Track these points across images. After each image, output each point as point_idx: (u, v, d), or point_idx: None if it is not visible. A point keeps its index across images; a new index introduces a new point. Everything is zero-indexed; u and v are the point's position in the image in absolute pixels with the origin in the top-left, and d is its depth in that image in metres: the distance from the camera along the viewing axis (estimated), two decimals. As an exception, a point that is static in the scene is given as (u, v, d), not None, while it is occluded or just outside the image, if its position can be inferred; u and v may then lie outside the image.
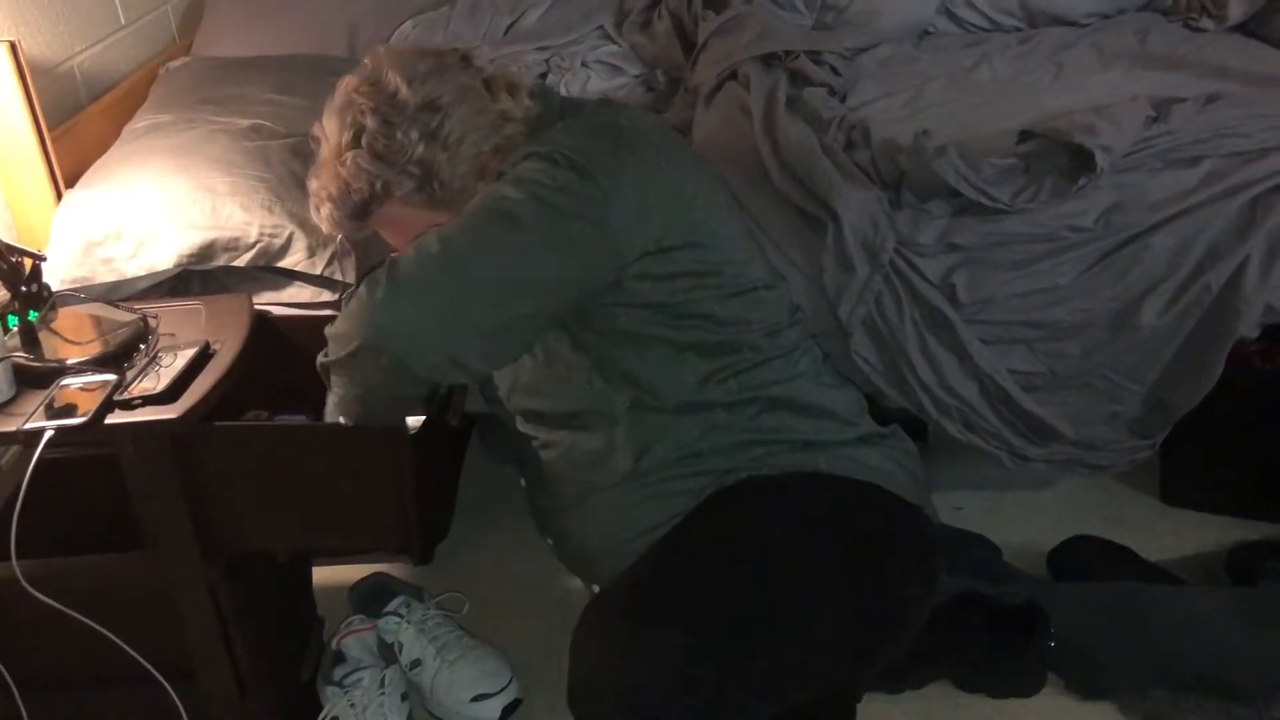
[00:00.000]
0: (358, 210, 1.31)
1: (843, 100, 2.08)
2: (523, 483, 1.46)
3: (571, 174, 1.18)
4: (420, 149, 1.26)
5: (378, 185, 1.28)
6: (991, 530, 1.87)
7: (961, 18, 2.45)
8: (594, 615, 1.24)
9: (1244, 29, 2.27)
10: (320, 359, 1.28)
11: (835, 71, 2.12)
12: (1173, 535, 1.92)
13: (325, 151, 1.32)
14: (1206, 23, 2.29)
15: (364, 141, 1.26)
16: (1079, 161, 1.67)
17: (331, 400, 1.32)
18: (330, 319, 1.29)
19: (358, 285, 1.24)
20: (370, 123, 1.26)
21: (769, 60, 2.05)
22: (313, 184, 1.35)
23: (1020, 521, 1.97)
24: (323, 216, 1.35)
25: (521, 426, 1.40)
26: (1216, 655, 1.59)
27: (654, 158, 1.25)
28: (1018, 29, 2.43)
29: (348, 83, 1.30)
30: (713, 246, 1.27)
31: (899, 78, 2.21)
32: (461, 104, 1.28)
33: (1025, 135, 1.75)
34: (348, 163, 1.28)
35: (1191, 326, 1.70)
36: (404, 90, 1.26)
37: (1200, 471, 1.97)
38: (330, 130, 1.30)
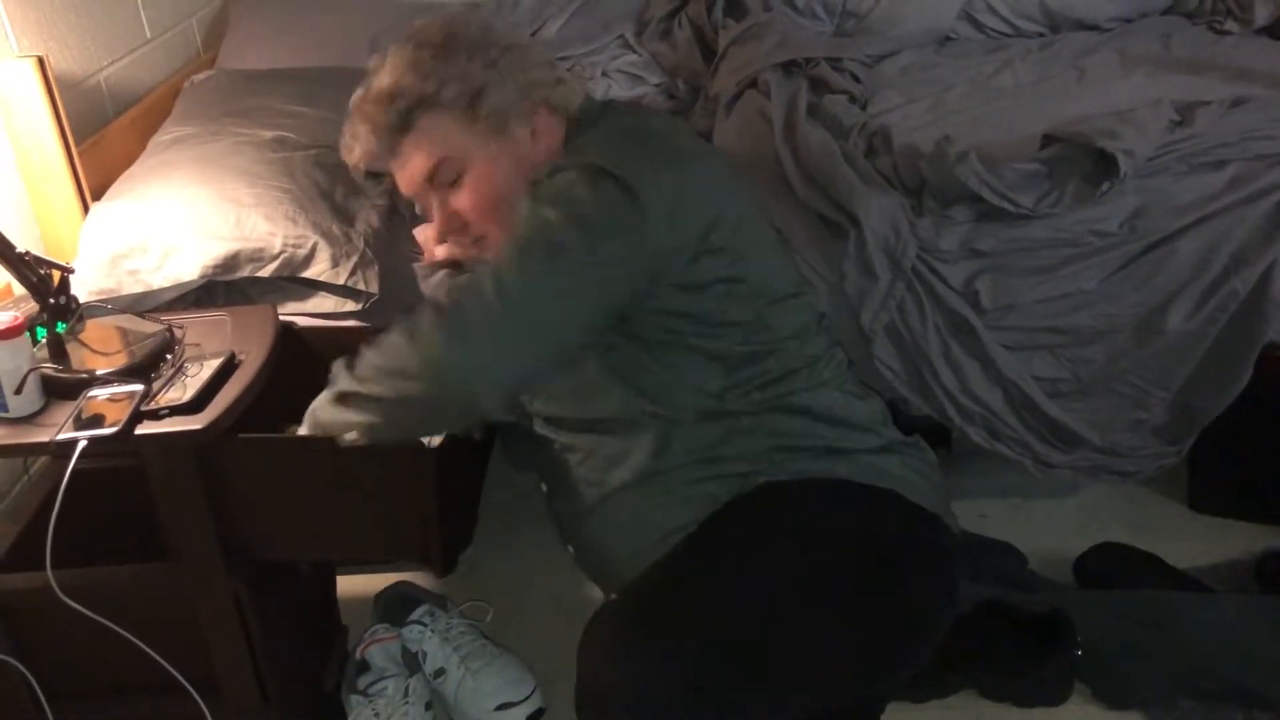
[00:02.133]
0: (401, 117, 1.28)
1: (864, 108, 2.08)
2: (544, 488, 1.46)
3: (609, 189, 1.18)
4: (477, 67, 1.28)
5: (429, 86, 1.27)
6: (1017, 537, 1.86)
7: (983, 23, 2.45)
8: (602, 623, 1.24)
9: (1270, 32, 2.26)
10: (346, 386, 1.25)
11: (856, 79, 2.12)
12: (1200, 542, 1.90)
13: (381, 65, 1.32)
14: (1231, 25, 2.28)
15: (427, 48, 1.29)
16: (1102, 166, 1.66)
17: (331, 416, 1.27)
18: (355, 332, 1.29)
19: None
20: (438, 37, 1.30)
21: (789, 68, 2.05)
22: (355, 98, 1.33)
23: (1046, 528, 1.95)
24: (360, 135, 1.32)
25: (541, 429, 1.40)
26: (1246, 665, 1.57)
27: (687, 164, 1.26)
28: (1040, 34, 2.42)
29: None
30: (744, 253, 1.26)
31: (920, 84, 2.20)
32: (524, 53, 1.32)
33: (1048, 140, 1.75)
34: (408, 57, 1.29)
35: (1218, 332, 1.69)
36: (473, 28, 1.31)
37: (1228, 478, 1.95)
38: (394, 48, 1.32)
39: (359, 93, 1.33)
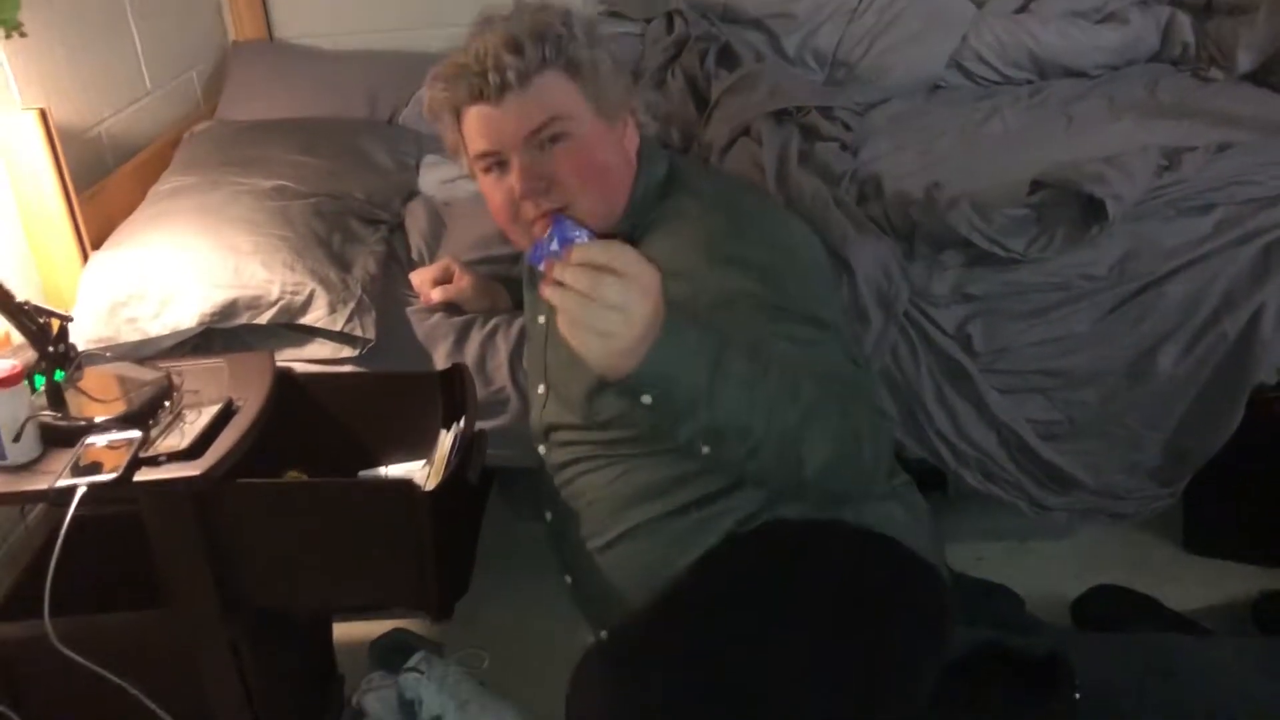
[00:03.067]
0: (541, 56, 1.24)
1: (855, 155, 2.10)
2: (548, 516, 1.45)
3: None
4: (602, 53, 1.29)
5: (573, 45, 1.26)
6: (1014, 580, 1.86)
7: (972, 71, 2.48)
8: (592, 665, 1.23)
9: (1253, 78, 2.29)
10: None
11: (847, 127, 2.15)
12: (1197, 584, 1.90)
13: (515, 13, 1.29)
14: (1215, 73, 2.32)
15: (564, 16, 1.29)
16: (1091, 211, 1.69)
17: None
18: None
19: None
20: (571, 17, 1.29)
21: (780, 116, 2.08)
22: (484, 35, 1.27)
23: (1042, 571, 1.95)
24: (471, 66, 1.25)
25: (559, 455, 1.39)
26: (1245, 708, 1.57)
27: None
28: (1029, 81, 2.45)
29: None
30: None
31: (910, 132, 2.23)
32: (625, 71, 1.36)
33: (1037, 185, 1.77)
34: (549, 15, 1.27)
35: (1209, 374, 1.71)
36: (596, 28, 1.32)
37: (1223, 520, 1.95)
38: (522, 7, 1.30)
39: (484, 29, 1.28)
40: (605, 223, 1.29)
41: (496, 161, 1.30)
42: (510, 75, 1.24)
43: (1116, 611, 1.80)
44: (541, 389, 1.43)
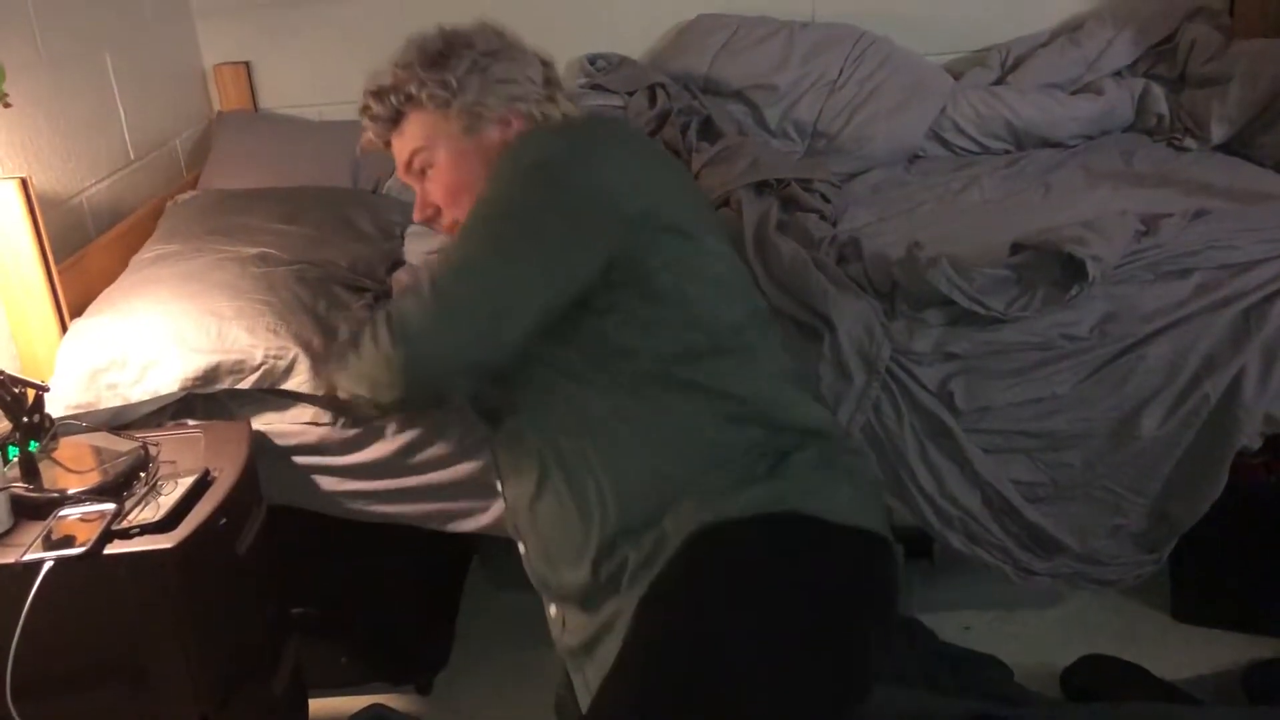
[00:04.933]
0: (392, 110, 1.44)
1: (834, 225, 2.12)
2: (498, 485, 1.45)
3: (552, 167, 1.28)
4: (462, 72, 1.42)
5: (412, 85, 1.42)
6: (1002, 650, 1.84)
7: (951, 142, 2.52)
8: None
9: (1226, 148, 2.33)
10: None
11: (825, 199, 2.17)
12: (1186, 653, 1.89)
13: (385, 69, 1.46)
14: (1190, 143, 2.35)
15: (428, 48, 1.44)
16: (1070, 271, 1.70)
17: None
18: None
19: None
20: (434, 45, 1.45)
21: (760, 188, 2.10)
22: (361, 99, 1.47)
23: (1030, 640, 1.93)
24: (365, 125, 1.48)
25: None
26: (1239, 778, 1.55)
27: (624, 147, 1.34)
28: (1006, 151, 2.49)
29: None
30: (689, 235, 1.31)
31: (890, 201, 2.25)
32: (520, 69, 1.46)
33: (1017, 247, 1.78)
34: (405, 59, 1.44)
35: (1192, 437, 1.70)
36: (475, 35, 1.46)
37: (1211, 587, 1.95)
38: (400, 53, 1.46)
39: (362, 95, 1.48)
40: None
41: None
42: (378, 131, 1.48)
43: (1106, 681, 1.78)
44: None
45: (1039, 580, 1.77)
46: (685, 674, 1.15)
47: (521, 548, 1.40)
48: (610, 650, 1.24)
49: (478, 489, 1.76)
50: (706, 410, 1.26)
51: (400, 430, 1.77)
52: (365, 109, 1.47)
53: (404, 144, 1.45)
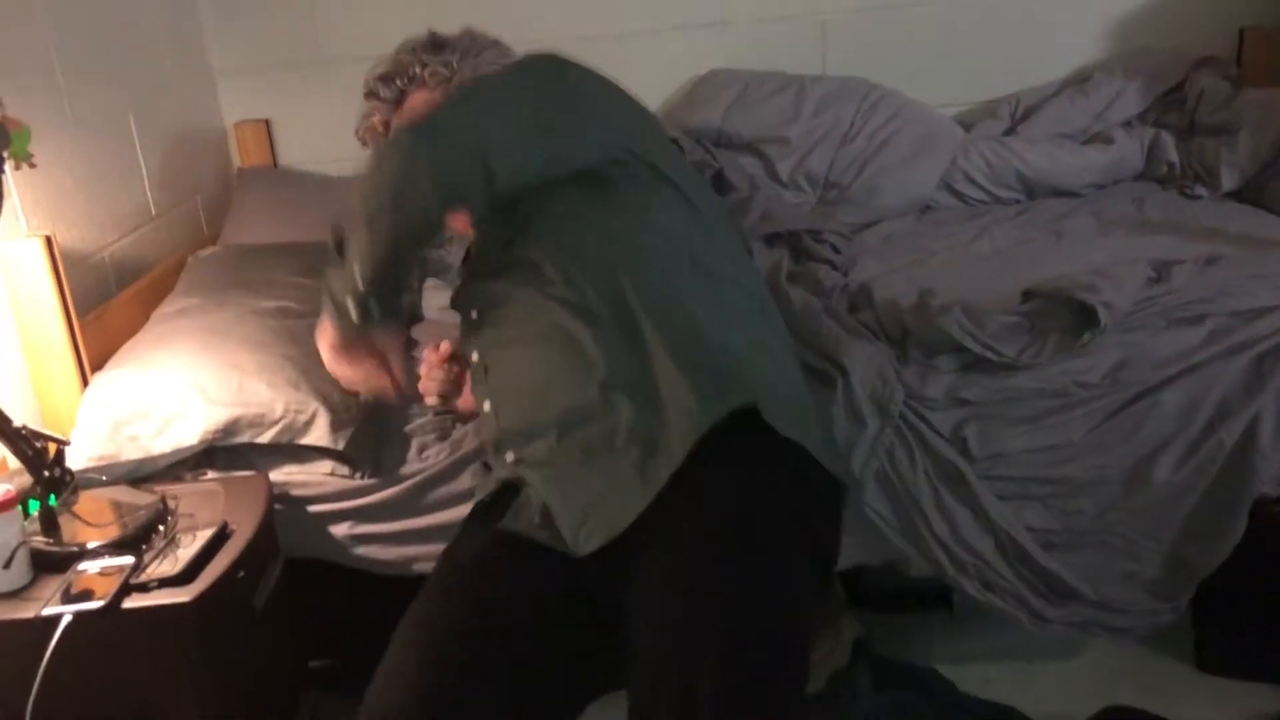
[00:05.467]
0: (397, 92, 1.59)
1: (845, 275, 2.13)
2: (474, 356, 1.48)
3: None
4: (456, 59, 1.58)
5: (416, 67, 1.57)
6: (1022, 701, 1.82)
7: (962, 192, 2.53)
8: None
9: (1237, 196, 2.34)
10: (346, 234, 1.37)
11: (836, 250, 2.18)
12: (1210, 705, 1.86)
13: (387, 56, 1.62)
14: (1201, 190, 2.36)
15: (427, 40, 1.61)
16: (1082, 318, 1.70)
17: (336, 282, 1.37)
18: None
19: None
20: (430, 36, 1.62)
21: (771, 239, 2.11)
22: (365, 85, 1.61)
23: (1051, 691, 1.91)
24: (366, 112, 1.62)
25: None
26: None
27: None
28: (1017, 201, 2.50)
29: None
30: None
31: (900, 251, 2.26)
32: (502, 53, 1.63)
33: (1029, 295, 1.79)
34: (408, 47, 1.60)
35: (1207, 484, 1.69)
36: (466, 36, 1.63)
37: (1234, 637, 1.91)
38: (399, 45, 1.62)
39: (365, 82, 1.62)
40: None
41: None
42: (381, 115, 1.61)
43: (1129, 733, 1.76)
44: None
45: (1054, 628, 1.75)
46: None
47: (487, 405, 1.44)
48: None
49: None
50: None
51: (416, 471, 1.78)
52: (372, 93, 1.60)
53: (403, 119, 1.58)
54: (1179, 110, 2.54)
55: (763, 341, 1.40)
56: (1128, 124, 2.56)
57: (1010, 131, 2.60)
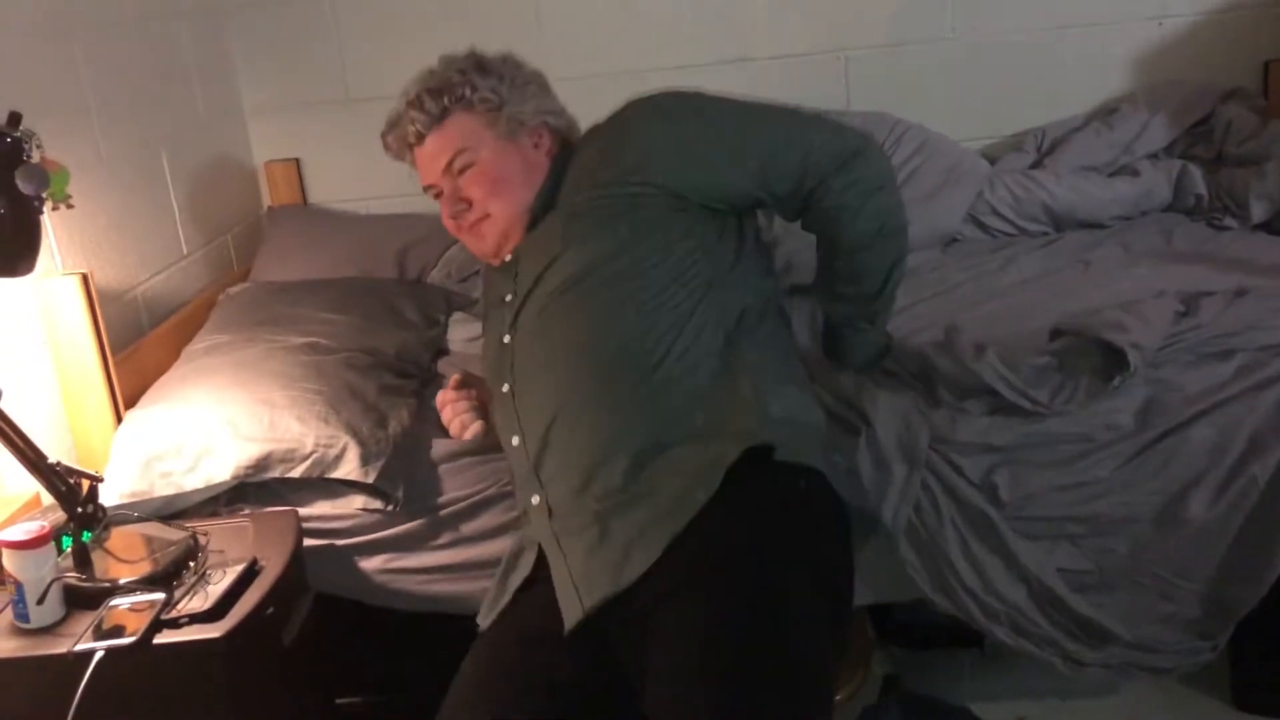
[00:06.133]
0: (442, 107, 1.59)
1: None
2: (504, 388, 1.54)
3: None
4: (505, 86, 1.62)
5: (467, 89, 1.59)
6: (1056, 740, 1.79)
7: (988, 224, 2.51)
8: None
9: (1267, 227, 2.32)
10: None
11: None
12: (1249, 744, 1.83)
13: (430, 71, 1.64)
14: (1230, 222, 2.35)
15: (475, 62, 1.63)
16: (1111, 358, 1.69)
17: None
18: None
19: None
20: (478, 59, 1.65)
21: (795, 289, 2.09)
22: (406, 92, 1.63)
23: (1086, 730, 1.88)
24: (400, 121, 1.63)
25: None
26: None
27: None
28: (1044, 233, 2.49)
29: None
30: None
31: (926, 284, 2.24)
32: (543, 90, 1.68)
33: (1057, 333, 1.78)
34: (454, 66, 1.62)
35: (1242, 521, 1.67)
36: (509, 63, 1.66)
37: (1272, 674, 1.88)
38: (442, 62, 1.65)
39: (411, 86, 1.63)
40: (517, 212, 1.60)
41: (436, 193, 1.64)
42: (419, 126, 1.61)
43: (1165, 773, 1.73)
44: (506, 388, 1.55)
45: (1090, 671, 1.73)
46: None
47: (516, 440, 1.50)
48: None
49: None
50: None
51: (447, 503, 1.79)
52: (415, 102, 1.60)
53: (445, 143, 1.60)
54: (1206, 142, 2.53)
55: (772, 369, 1.49)
56: (1154, 156, 2.55)
57: (1036, 165, 2.59)
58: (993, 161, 2.61)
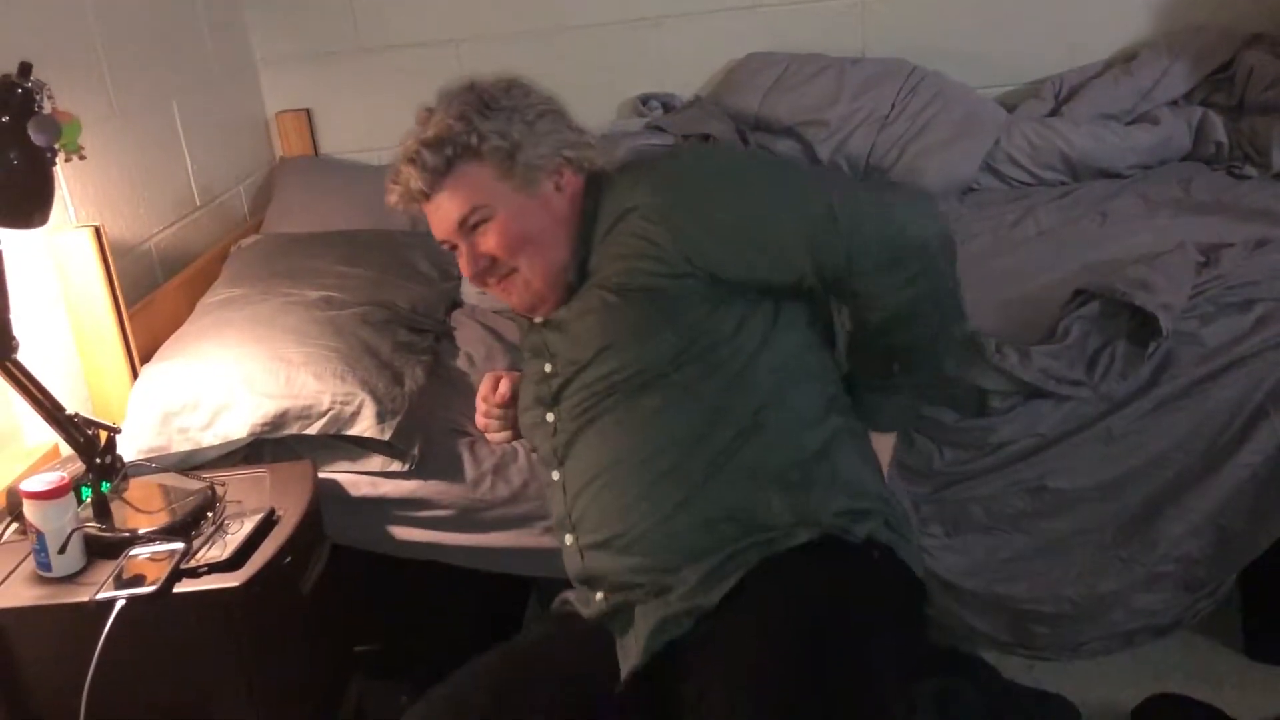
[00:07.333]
0: (446, 162, 1.38)
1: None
2: (554, 476, 1.44)
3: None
4: (516, 126, 1.40)
5: (472, 137, 1.37)
6: (1069, 689, 1.80)
7: (1005, 174, 2.50)
8: None
9: (1288, 176, 2.29)
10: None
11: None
12: (1260, 692, 1.83)
13: (430, 117, 1.42)
14: (1250, 170, 2.32)
15: (476, 100, 1.40)
16: (1139, 319, 1.66)
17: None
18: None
19: None
20: (484, 96, 1.41)
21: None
22: (404, 143, 1.42)
23: (1099, 679, 1.89)
24: (403, 176, 1.41)
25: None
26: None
27: None
28: (1061, 183, 2.47)
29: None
30: None
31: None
32: (558, 117, 1.45)
33: (1079, 292, 1.75)
34: (457, 110, 1.39)
35: (1264, 470, 1.66)
36: (516, 91, 1.43)
37: (1283, 624, 1.89)
38: (443, 102, 1.42)
39: (408, 138, 1.42)
40: (551, 273, 1.42)
41: (452, 246, 1.45)
42: (422, 185, 1.39)
43: (1177, 721, 1.74)
44: (550, 417, 1.44)
45: (1093, 646, 1.75)
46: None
47: (556, 475, 1.42)
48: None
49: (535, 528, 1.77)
50: None
51: (473, 487, 1.79)
52: (414, 158, 1.39)
53: (455, 201, 1.39)
54: (1227, 89, 2.50)
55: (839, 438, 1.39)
56: (1174, 104, 2.52)
57: (1054, 112, 2.57)
58: (1010, 109, 2.58)
